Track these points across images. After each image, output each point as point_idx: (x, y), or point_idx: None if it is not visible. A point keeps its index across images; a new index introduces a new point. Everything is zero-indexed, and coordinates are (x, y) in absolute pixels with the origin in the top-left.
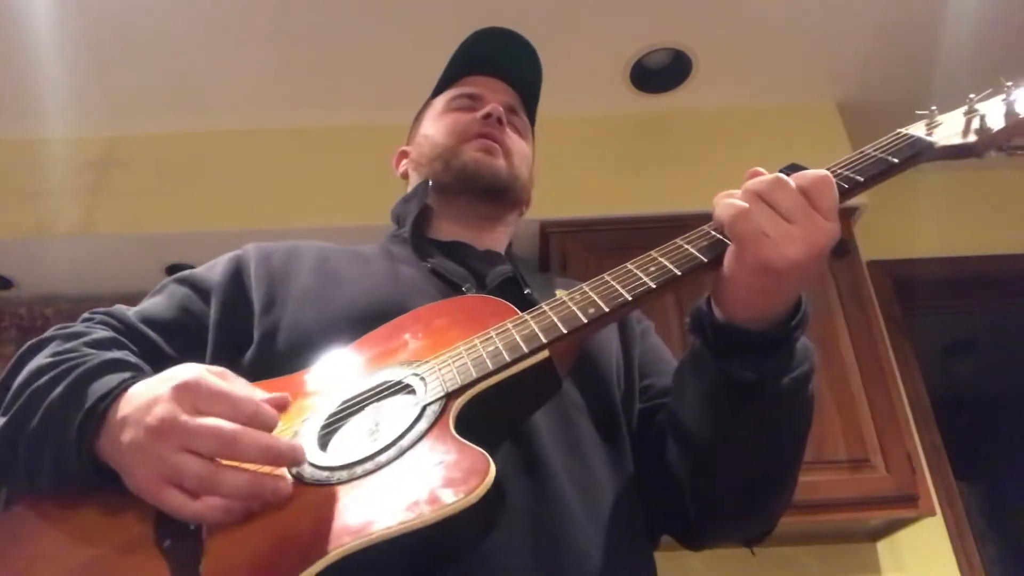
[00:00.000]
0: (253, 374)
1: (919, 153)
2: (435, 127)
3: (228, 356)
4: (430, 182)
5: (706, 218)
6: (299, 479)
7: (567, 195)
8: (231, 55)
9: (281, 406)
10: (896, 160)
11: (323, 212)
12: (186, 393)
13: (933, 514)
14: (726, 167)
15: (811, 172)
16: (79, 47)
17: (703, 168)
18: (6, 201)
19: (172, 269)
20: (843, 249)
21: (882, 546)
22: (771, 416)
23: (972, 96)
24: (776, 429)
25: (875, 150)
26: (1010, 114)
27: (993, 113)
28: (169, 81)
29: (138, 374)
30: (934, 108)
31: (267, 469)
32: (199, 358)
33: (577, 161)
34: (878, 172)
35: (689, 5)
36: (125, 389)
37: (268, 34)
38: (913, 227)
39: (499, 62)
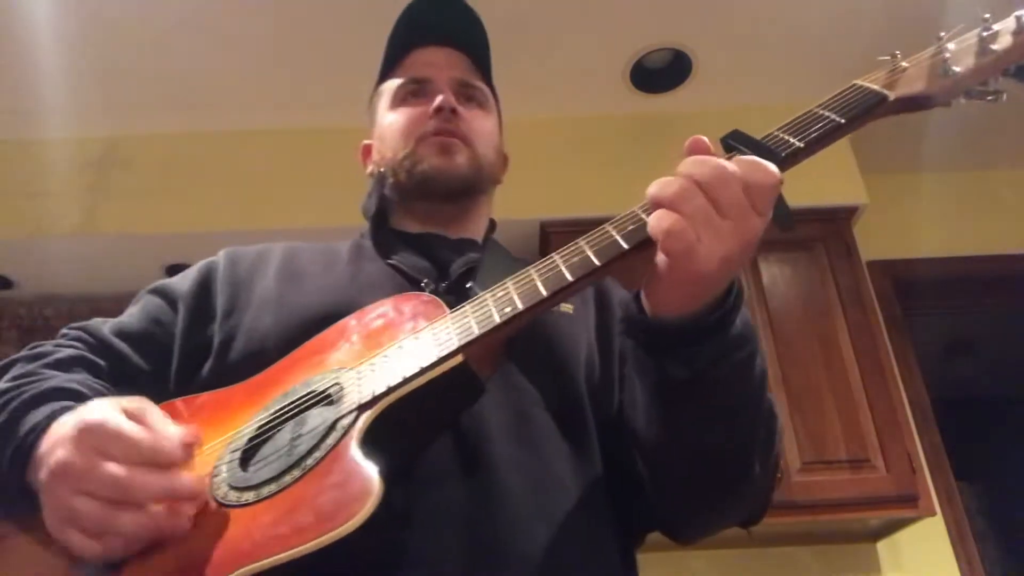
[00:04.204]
0: (212, 383)
1: (872, 108)
2: (390, 126)
3: (194, 366)
4: (387, 179)
5: None
6: (216, 499)
7: (567, 195)
8: (231, 55)
9: (191, 441)
10: (843, 120)
11: (323, 212)
12: (88, 435)
13: (933, 514)
14: None
15: (762, 172)
16: (79, 47)
17: None
18: (6, 201)
19: (172, 269)
20: (788, 222)
21: (882, 546)
22: (713, 406)
23: (942, 34)
24: (722, 417)
25: (823, 108)
26: (983, 52)
27: (965, 52)
28: (169, 81)
29: (71, 404)
30: (897, 53)
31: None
32: (170, 370)
33: (577, 161)
34: (824, 135)
35: (689, 5)
36: (52, 421)
37: (267, 34)
38: (913, 227)
39: (441, 27)
